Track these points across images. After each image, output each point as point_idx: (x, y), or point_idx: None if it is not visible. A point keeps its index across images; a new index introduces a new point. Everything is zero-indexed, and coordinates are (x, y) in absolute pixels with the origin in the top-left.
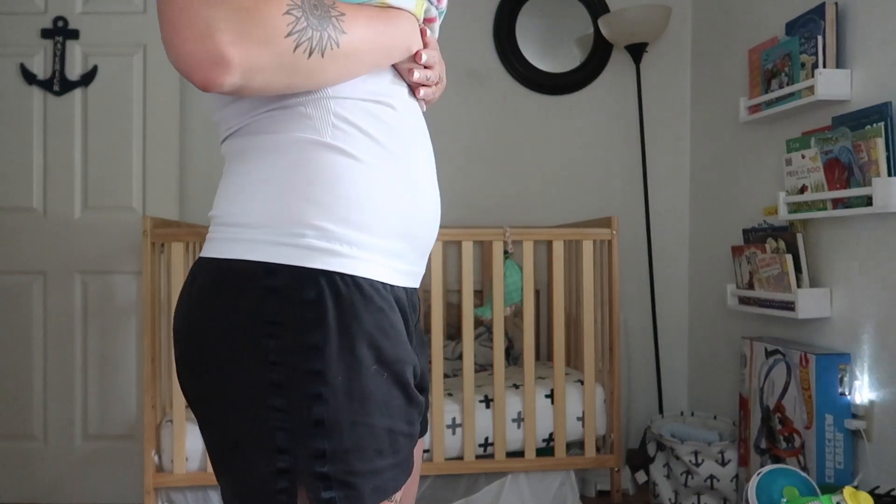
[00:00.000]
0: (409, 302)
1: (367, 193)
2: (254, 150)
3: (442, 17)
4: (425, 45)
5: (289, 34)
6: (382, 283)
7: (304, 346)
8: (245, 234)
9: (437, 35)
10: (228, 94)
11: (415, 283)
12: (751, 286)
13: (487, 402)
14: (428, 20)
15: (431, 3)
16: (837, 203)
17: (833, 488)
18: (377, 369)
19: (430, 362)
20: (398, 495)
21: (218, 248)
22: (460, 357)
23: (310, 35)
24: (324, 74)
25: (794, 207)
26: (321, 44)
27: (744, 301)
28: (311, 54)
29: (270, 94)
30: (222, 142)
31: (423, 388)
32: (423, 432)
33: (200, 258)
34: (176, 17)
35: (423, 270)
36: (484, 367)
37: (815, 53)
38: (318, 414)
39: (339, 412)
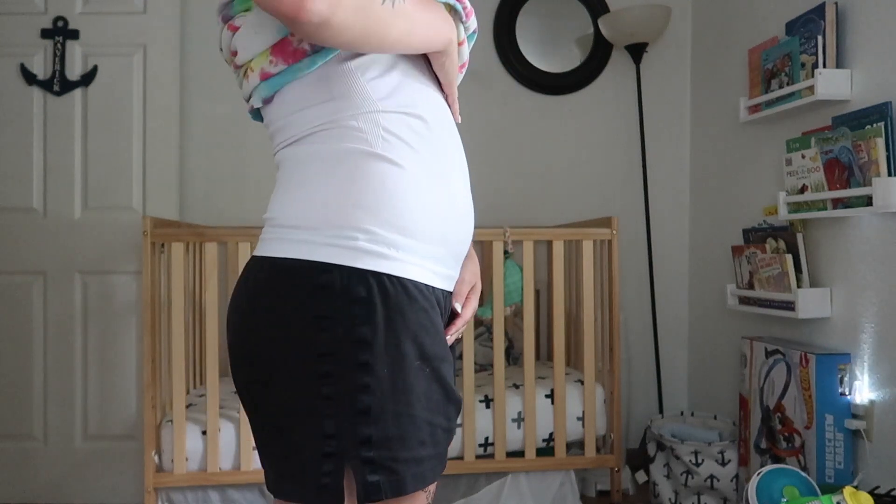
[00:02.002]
0: (445, 305)
1: (411, 200)
2: (309, 159)
3: (473, 41)
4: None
5: None
6: (426, 284)
7: (354, 340)
8: (299, 236)
9: (466, 57)
10: (310, 31)
11: (451, 286)
12: (751, 286)
13: (487, 402)
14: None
15: (461, 21)
16: (837, 203)
17: (833, 488)
18: (420, 365)
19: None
20: (433, 487)
21: (273, 247)
22: (460, 357)
23: None
24: (387, 30)
25: (794, 207)
26: None
27: (744, 301)
28: (384, 1)
29: (342, 42)
30: (279, 150)
31: None
32: None
33: (255, 256)
34: None
35: (457, 274)
36: (484, 367)
37: (815, 53)
38: (365, 403)
39: (384, 402)
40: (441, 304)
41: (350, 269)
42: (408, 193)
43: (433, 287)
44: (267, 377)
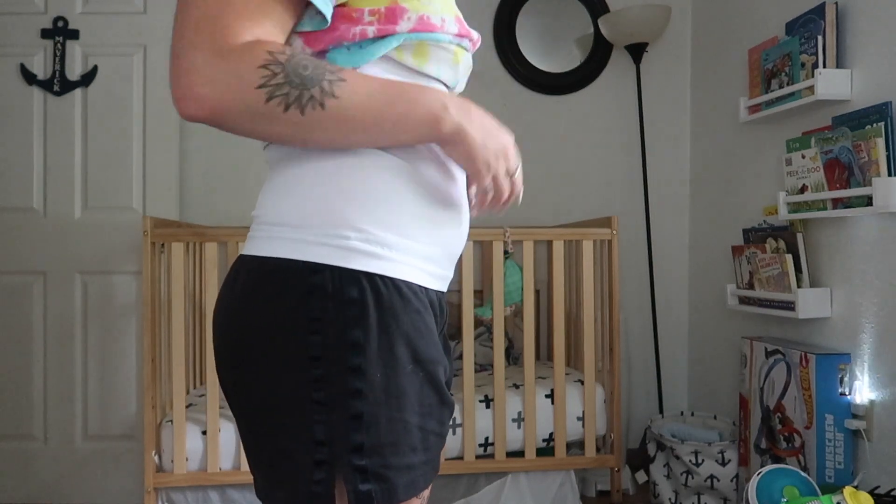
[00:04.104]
0: (439, 305)
1: (408, 198)
2: (300, 155)
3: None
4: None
5: (261, 86)
6: (419, 285)
7: (346, 343)
8: (289, 234)
9: (469, 63)
10: (209, 125)
11: (444, 286)
12: (751, 286)
13: (487, 402)
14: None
15: (466, 49)
16: (837, 203)
17: (833, 488)
18: (413, 368)
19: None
20: (426, 493)
21: (262, 246)
22: (460, 357)
23: (286, 91)
24: (314, 131)
25: (794, 207)
26: (300, 101)
27: (744, 301)
28: (287, 108)
29: (254, 136)
30: (269, 144)
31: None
32: None
33: (242, 256)
34: (175, 54)
35: (451, 275)
36: (484, 367)
37: (815, 53)
38: (357, 408)
39: (376, 408)
40: (435, 305)
41: (342, 269)
42: (404, 191)
43: (427, 288)
44: (255, 380)
